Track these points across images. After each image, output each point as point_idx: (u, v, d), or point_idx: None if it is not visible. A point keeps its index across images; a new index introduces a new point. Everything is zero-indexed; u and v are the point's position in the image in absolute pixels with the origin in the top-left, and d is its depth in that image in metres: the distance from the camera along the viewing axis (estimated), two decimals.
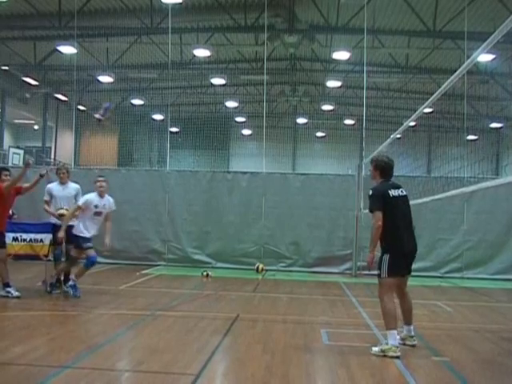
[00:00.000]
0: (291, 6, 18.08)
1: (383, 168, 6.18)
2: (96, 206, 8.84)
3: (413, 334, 6.10)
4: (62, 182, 9.54)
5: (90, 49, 21.25)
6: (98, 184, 8.96)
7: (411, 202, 6.38)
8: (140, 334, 6.53)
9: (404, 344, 5.99)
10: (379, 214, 5.87)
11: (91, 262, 8.79)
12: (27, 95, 24.72)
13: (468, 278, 13.64)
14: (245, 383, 4.79)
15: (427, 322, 7.57)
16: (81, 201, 8.89)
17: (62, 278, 9.22)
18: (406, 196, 6.17)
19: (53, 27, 18.51)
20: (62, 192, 9.45)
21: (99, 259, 14.40)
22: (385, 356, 5.59)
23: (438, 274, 13.86)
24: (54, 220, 9.29)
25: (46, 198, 9.46)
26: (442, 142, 27.83)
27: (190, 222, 14.52)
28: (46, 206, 9.43)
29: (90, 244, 8.80)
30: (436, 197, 9.26)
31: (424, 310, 8.78)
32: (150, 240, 14.51)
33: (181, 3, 17.00)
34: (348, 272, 13.91)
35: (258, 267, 13.61)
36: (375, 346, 5.82)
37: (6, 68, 22.23)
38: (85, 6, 17.46)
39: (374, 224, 5.95)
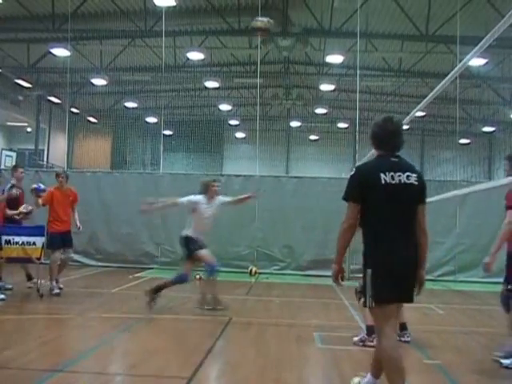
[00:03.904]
0: (285, 9, 18.12)
1: (377, 136, 4.43)
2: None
3: None
4: (211, 196, 8.67)
5: (84, 51, 21.19)
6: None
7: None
8: (132, 338, 6.51)
9: None
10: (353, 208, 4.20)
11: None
12: (20, 97, 24.63)
13: (461, 281, 13.69)
14: None
15: (419, 325, 7.59)
16: None
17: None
18: (411, 185, 4.21)
19: (46, 29, 18.44)
20: (209, 208, 8.66)
21: (91, 262, 14.61)
22: None
23: (432, 277, 13.88)
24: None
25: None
26: (434, 146, 27.95)
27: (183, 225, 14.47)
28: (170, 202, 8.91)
29: None
30: (429, 199, 9.28)
31: (416, 313, 8.79)
32: (143, 243, 14.49)
33: (174, 6, 16.98)
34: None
35: (251, 270, 13.58)
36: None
37: None
38: (78, 8, 17.42)
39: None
